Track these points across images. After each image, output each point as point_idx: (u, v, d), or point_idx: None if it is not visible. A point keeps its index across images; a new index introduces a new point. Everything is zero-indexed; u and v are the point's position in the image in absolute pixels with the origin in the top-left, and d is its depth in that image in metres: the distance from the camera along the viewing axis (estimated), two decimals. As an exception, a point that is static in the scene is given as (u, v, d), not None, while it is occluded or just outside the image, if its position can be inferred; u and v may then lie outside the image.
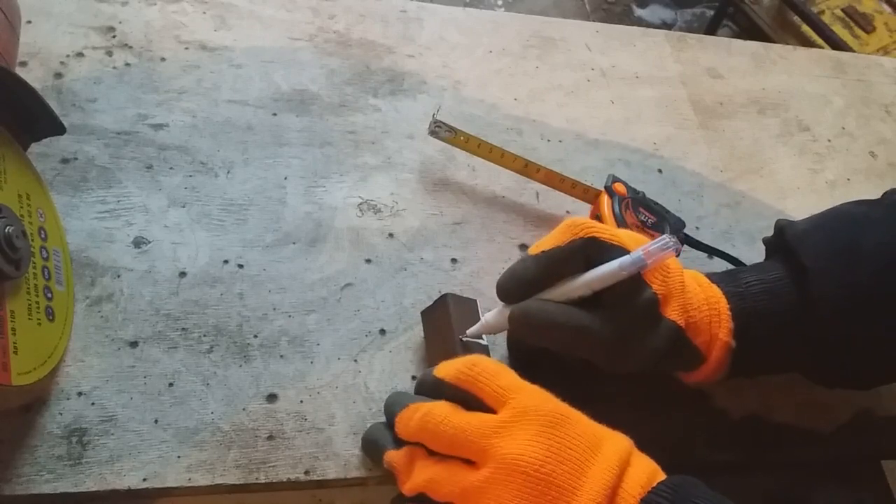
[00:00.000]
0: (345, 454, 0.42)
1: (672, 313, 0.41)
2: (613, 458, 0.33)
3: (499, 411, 0.35)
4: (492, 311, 0.42)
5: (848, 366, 0.44)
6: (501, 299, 0.42)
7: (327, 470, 0.41)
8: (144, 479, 0.39)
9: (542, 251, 0.40)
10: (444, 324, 0.44)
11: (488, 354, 0.44)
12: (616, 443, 0.35)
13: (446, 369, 0.38)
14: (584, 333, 0.39)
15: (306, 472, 0.41)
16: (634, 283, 0.40)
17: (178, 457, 0.40)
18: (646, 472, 0.34)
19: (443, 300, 0.45)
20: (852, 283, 0.42)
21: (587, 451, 0.34)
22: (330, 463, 0.42)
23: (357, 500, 0.46)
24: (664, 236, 0.39)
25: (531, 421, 0.34)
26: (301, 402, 0.43)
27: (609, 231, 0.41)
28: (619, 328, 0.40)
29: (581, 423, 0.35)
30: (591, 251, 0.40)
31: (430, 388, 0.39)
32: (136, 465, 0.39)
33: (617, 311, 0.40)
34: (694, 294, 0.42)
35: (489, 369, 0.37)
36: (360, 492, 0.44)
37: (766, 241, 0.49)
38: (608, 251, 0.40)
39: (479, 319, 0.45)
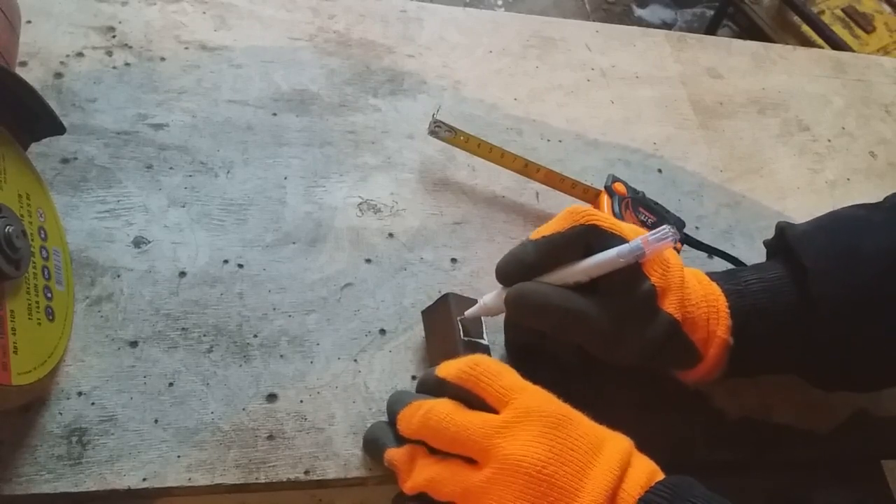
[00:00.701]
0: (345, 454, 0.42)
1: (669, 307, 0.41)
2: (614, 459, 0.33)
3: (501, 411, 0.36)
4: (490, 294, 0.43)
5: (847, 368, 0.44)
6: (500, 282, 0.42)
7: (327, 470, 0.41)
8: (144, 479, 0.39)
9: (543, 236, 0.41)
10: (445, 323, 0.44)
11: (489, 354, 0.44)
12: (617, 444, 0.35)
13: (448, 369, 0.38)
14: (579, 317, 0.39)
15: (306, 472, 0.41)
16: (633, 273, 0.40)
17: (178, 457, 0.40)
18: (645, 472, 0.34)
19: (443, 300, 0.45)
20: (852, 284, 0.42)
21: (589, 452, 0.34)
22: (330, 463, 0.42)
23: (357, 500, 0.46)
24: (664, 227, 0.39)
25: (534, 422, 0.34)
26: (301, 401, 0.43)
27: (610, 220, 0.41)
28: (616, 317, 0.40)
29: (583, 424, 0.35)
30: (590, 238, 0.40)
31: (432, 388, 0.39)
32: (136, 464, 0.39)
33: (614, 299, 0.40)
34: (693, 290, 0.42)
35: (491, 369, 0.37)
36: (360, 492, 0.44)
37: (766, 244, 0.49)
38: (608, 240, 0.40)
39: (479, 318, 0.45)
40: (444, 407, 0.36)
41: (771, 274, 0.44)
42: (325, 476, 0.41)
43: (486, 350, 0.44)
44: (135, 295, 0.45)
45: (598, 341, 0.41)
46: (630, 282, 0.40)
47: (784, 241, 0.45)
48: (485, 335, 0.45)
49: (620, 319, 0.40)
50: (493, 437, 0.34)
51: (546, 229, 0.41)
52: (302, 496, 0.44)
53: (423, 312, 0.47)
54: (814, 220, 0.47)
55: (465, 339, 0.43)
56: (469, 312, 0.43)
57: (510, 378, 0.37)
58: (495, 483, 0.33)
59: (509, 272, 0.41)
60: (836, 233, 0.45)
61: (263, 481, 0.40)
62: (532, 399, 0.35)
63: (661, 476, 0.34)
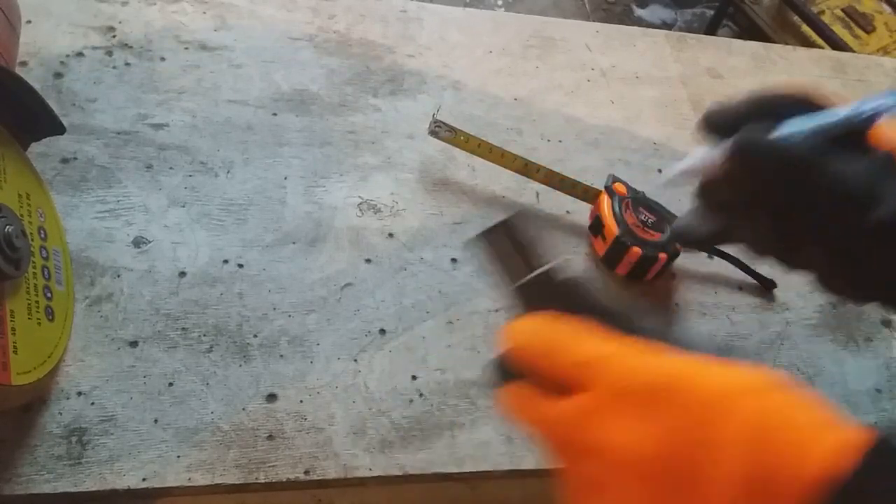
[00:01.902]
0: (345, 454, 0.42)
1: None
2: (745, 426, 0.24)
3: (584, 392, 0.28)
4: (702, 149, 0.37)
5: None
6: (710, 131, 0.36)
7: (327, 470, 0.41)
8: (144, 479, 0.39)
9: (759, 90, 0.36)
10: (516, 248, 0.34)
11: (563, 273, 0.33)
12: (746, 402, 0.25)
13: (514, 339, 0.30)
14: (827, 172, 0.32)
15: (306, 472, 0.41)
16: (866, 139, 0.33)
17: (178, 456, 0.40)
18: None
19: (503, 225, 0.34)
20: None
21: (704, 423, 0.25)
22: (330, 463, 0.42)
23: (357, 500, 0.46)
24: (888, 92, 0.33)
25: (627, 403, 0.26)
26: (301, 401, 0.43)
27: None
28: (869, 172, 0.32)
29: (693, 380, 0.26)
30: (810, 103, 0.35)
31: (505, 371, 0.30)
32: (135, 464, 0.39)
33: (862, 157, 0.33)
34: None
35: (560, 341, 0.29)
36: (360, 492, 0.44)
37: None
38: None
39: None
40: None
41: None
42: (325, 476, 0.41)
43: (558, 273, 0.33)
44: (135, 295, 0.45)
45: (846, 203, 0.32)
46: (869, 146, 0.33)
47: None
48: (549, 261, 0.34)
49: (874, 175, 0.32)
50: (586, 432, 0.27)
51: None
52: (302, 496, 0.44)
53: (482, 235, 0.35)
54: None
55: (534, 273, 0.33)
56: (681, 168, 0.37)
57: (585, 347, 0.28)
58: (608, 489, 0.26)
59: (723, 121, 0.35)
60: None
61: (263, 481, 0.40)
62: (619, 369, 0.27)
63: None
